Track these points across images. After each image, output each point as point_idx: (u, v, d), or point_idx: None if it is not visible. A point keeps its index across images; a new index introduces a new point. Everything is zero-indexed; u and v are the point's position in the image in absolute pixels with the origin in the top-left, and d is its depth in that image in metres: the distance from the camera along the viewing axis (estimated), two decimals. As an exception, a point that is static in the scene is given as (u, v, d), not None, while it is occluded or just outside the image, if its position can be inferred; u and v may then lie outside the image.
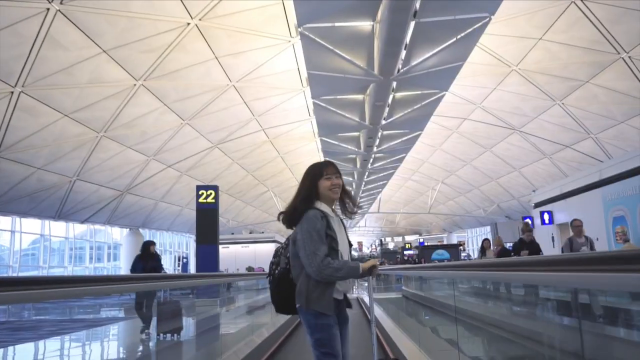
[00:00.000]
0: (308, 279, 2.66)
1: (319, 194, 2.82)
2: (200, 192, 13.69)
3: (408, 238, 54.43)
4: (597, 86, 14.91)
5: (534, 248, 8.92)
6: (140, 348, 7.54)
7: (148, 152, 18.91)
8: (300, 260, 2.67)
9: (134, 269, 8.41)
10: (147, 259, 8.31)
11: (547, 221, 15.45)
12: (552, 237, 14.90)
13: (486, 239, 10.66)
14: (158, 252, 8.85)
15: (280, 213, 2.89)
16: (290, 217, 2.82)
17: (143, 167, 19.96)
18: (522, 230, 9.21)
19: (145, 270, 7.91)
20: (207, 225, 13.44)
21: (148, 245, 8.55)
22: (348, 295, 2.85)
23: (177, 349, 6.34)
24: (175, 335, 5.36)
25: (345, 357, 2.71)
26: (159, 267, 8.57)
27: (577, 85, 15.30)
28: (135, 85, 14.04)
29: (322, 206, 2.81)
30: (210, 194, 13.59)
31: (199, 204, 13.68)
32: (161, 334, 4.86)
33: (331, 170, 2.85)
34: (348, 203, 2.92)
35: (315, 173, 2.86)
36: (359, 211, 39.69)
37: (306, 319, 2.67)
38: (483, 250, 10.38)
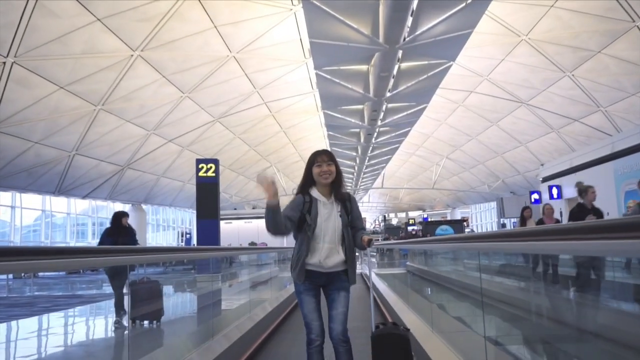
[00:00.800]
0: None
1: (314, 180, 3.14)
2: (200, 166, 13.38)
3: (411, 214, 54.34)
4: (609, 56, 14.39)
5: (600, 213, 6.87)
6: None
7: (147, 126, 18.57)
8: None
9: (102, 244, 6.92)
10: (118, 233, 6.79)
11: (555, 196, 15.12)
12: (560, 212, 14.58)
13: (527, 208, 8.93)
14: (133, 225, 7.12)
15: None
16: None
17: (143, 142, 19.65)
18: (580, 192, 6.99)
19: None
20: (208, 199, 13.17)
21: (120, 217, 6.91)
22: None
23: (176, 324, 6.17)
24: (155, 322, 4.64)
25: (333, 318, 3.00)
26: (132, 242, 6.98)
27: (588, 56, 14.77)
28: (132, 56, 13.62)
29: (314, 192, 3.13)
30: (211, 167, 13.28)
31: (199, 178, 13.38)
32: (137, 322, 4.22)
33: (322, 159, 3.10)
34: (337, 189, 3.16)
35: (310, 161, 3.16)
36: (360, 188, 39.61)
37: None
38: (523, 221, 8.73)
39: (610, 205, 10.86)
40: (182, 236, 35.78)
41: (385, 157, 28.29)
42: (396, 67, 12.51)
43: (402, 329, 3.16)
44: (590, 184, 12.02)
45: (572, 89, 17.01)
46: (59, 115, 15.04)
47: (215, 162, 13.67)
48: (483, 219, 44.10)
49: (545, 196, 15.82)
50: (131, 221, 27.02)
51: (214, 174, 13.32)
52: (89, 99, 14.92)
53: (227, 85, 17.53)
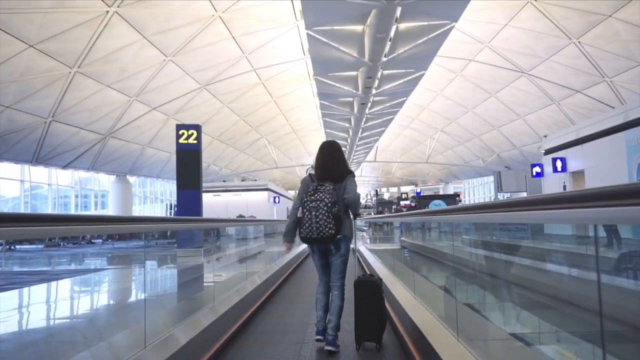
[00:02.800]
0: (348, 218, 4.02)
1: None
2: (180, 132, 12.42)
3: (404, 189, 53.93)
4: (620, 21, 13.53)
5: None
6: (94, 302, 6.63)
7: (129, 91, 17.54)
8: (344, 204, 3.96)
9: None
10: None
11: (559, 169, 14.40)
12: (564, 186, 13.94)
13: None
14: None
15: (335, 172, 4.01)
16: (342, 175, 3.99)
17: (125, 109, 18.65)
18: None
19: None
20: (189, 168, 12.25)
21: None
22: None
23: (164, 298, 5.88)
24: None
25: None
26: None
27: (598, 21, 13.91)
28: (107, 12, 12.54)
29: None
30: (192, 134, 12.33)
31: (179, 145, 12.44)
32: None
33: None
34: None
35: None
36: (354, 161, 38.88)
37: (345, 243, 3.92)
38: None
39: (622, 178, 10.18)
40: (171, 208, 34.97)
41: (379, 129, 27.41)
42: (394, 28, 11.59)
43: (375, 278, 4.06)
44: (600, 155, 11.34)
45: (577, 58, 16.20)
46: (32, 77, 14.00)
47: (197, 128, 12.72)
48: (476, 194, 43.69)
49: (548, 169, 15.09)
50: (116, 194, 25.80)
51: (195, 141, 12.38)
52: (63, 60, 13.86)
53: (214, 48, 16.51)
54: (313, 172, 4.05)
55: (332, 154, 4.03)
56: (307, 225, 3.74)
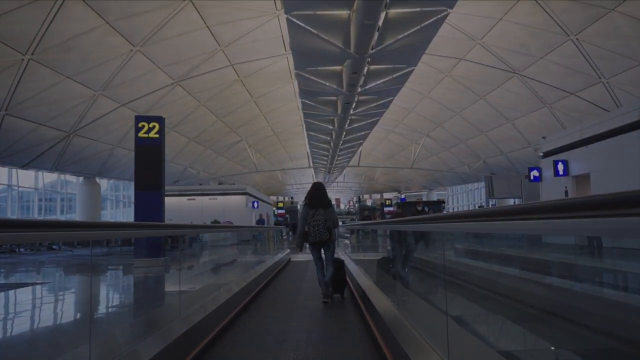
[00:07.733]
0: (334, 229, 6.44)
1: None
2: (140, 124, 11.04)
3: (386, 195, 53.10)
4: (623, 15, 12.65)
5: None
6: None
7: (94, 84, 16.10)
8: (333, 222, 6.49)
9: None
10: None
11: (561, 172, 13.37)
12: (566, 191, 12.93)
13: None
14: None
15: (325, 202, 6.56)
16: (329, 203, 6.50)
17: (90, 104, 17.17)
18: None
19: None
20: (149, 165, 10.84)
21: None
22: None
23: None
24: None
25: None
26: None
27: (599, 15, 13.01)
28: (62, -10, 11.18)
29: None
30: (153, 126, 10.92)
31: (138, 139, 11.02)
32: None
33: None
34: None
35: None
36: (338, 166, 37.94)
37: (332, 244, 6.41)
38: None
39: (636, 182, 9.19)
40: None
41: (364, 132, 26.28)
42: (383, 14, 10.48)
43: (342, 259, 6.85)
44: (609, 157, 10.31)
45: (573, 57, 15.32)
46: (-23, 64, 12.52)
47: (160, 120, 11.27)
48: (460, 201, 42.96)
49: (548, 173, 14.06)
50: (84, 196, 23.96)
51: (157, 135, 10.96)
52: (12, 44, 12.38)
53: (187, 38, 15.23)
54: (307, 202, 6.40)
55: (322, 190, 6.56)
56: (312, 235, 6.20)
